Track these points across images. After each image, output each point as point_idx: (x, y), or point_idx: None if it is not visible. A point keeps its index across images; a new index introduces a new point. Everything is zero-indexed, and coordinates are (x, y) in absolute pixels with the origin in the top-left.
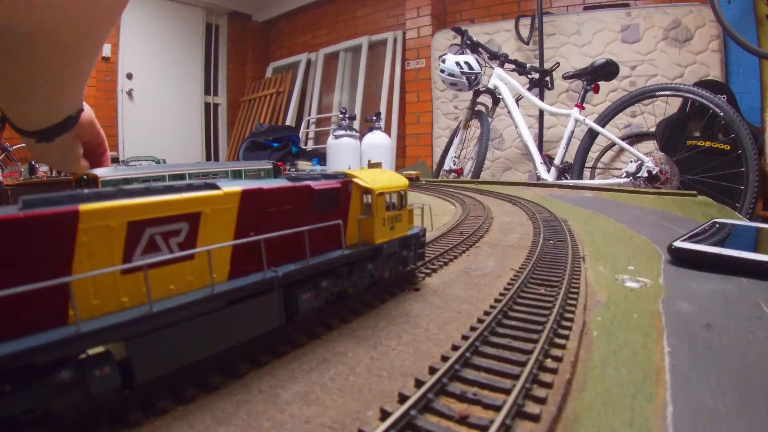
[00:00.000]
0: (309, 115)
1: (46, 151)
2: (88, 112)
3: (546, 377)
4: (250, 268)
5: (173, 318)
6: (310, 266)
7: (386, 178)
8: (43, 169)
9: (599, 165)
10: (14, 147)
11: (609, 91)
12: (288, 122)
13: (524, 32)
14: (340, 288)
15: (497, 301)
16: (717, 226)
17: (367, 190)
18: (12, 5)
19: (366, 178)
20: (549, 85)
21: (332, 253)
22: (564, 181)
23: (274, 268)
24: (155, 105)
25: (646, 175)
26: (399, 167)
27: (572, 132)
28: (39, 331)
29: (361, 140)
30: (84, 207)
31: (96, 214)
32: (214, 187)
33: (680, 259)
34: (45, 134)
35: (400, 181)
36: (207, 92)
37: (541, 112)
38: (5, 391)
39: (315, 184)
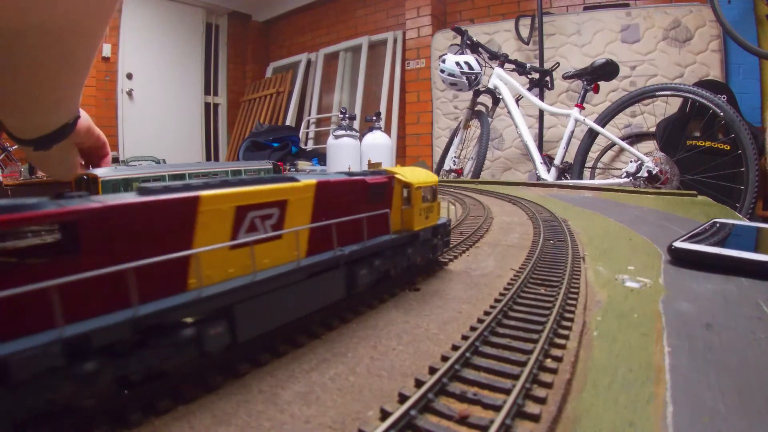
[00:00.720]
0: (309, 115)
1: (43, 159)
2: (84, 119)
3: (546, 377)
4: (322, 248)
5: (269, 286)
6: (367, 247)
7: (421, 175)
8: None
9: (599, 165)
10: (14, 147)
11: (609, 91)
12: (288, 122)
13: (524, 32)
14: (386, 268)
15: (497, 301)
16: (717, 226)
17: (406, 185)
18: (5, 6)
19: (405, 174)
20: (549, 85)
21: (381, 237)
22: (564, 181)
23: (341, 248)
24: (155, 105)
25: (646, 175)
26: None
27: (572, 132)
28: (163, 297)
29: (361, 140)
30: (203, 193)
31: (212, 199)
32: (294, 179)
33: (680, 259)
34: (42, 142)
35: (432, 177)
36: (207, 92)
37: (541, 112)
38: (131, 349)
39: (368, 179)
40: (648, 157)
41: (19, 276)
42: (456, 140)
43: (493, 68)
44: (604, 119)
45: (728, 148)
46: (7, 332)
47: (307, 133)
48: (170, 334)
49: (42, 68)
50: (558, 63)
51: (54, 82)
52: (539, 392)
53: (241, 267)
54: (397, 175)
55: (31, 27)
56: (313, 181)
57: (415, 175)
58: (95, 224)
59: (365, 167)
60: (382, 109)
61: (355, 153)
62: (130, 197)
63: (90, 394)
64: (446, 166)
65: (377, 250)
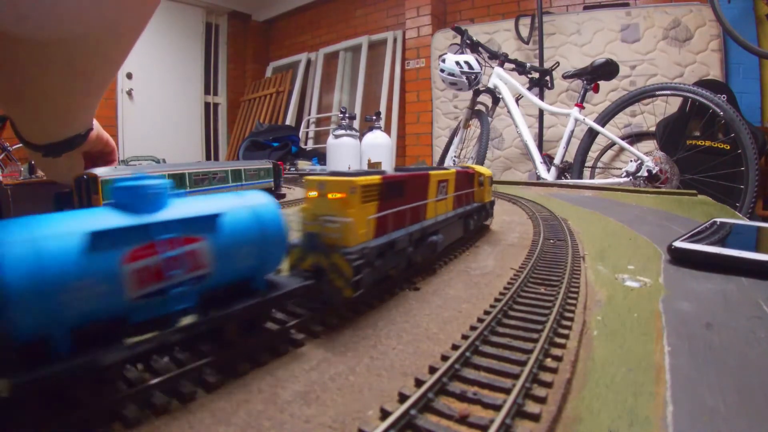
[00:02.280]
0: (309, 114)
1: (50, 164)
2: (95, 127)
3: (546, 376)
4: (456, 206)
5: (448, 222)
6: (472, 209)
7: (484, 169)
8: None
9: (599, 164)
10: (14, 147)
11: (609, 91)
12: (288, 122)
13: (524, 32)
14: (474, 225)
15: (497, 300)
16: (717, 225)
17: (480, 174)
18: (44, 17)
19: (477, 169)
20: (549, 85)
21: (473, 204)
22: (564, 181)
23: (463, 207)
24: (155, 105)
25: (646, 174)
26: (400, 166)
27: (572, 131)
28: (419, 221)
29: (361, 140)
30: (430, 172)
31: (433, 176)
32: (447, 168)
33: (680, 258)
34: (53, 149)
35: (489, 171)
36: (207, 92)
37: (541, 112)
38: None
39: (468, 171)
40: (648, 156)
41: (389, 206)
42: (456, 140)
43: (492, 68)
44: (604, 119)
45: (728, 147)
46: (390, 230)
47: (307, 133)
48: (425, 240)
49: (71, 77)
50: (558, 62)
51: (79, 92)
52: (539, 392)
53: (437, 211)
54: (476, 169)
55: (65, 36)
56: (454, 170)
57: (481, 169)
58: (408, 183)
59: (365, 167)
60: (382, 109)
61: (355, 153)
62: (403, 172)
63: (403, 265)
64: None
65: (473, 211)
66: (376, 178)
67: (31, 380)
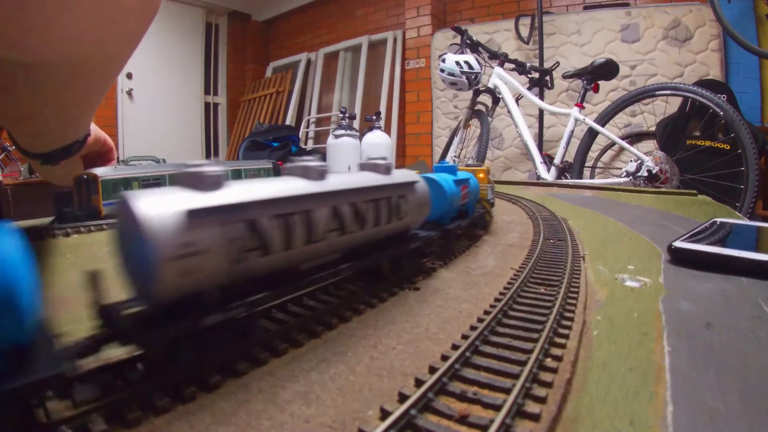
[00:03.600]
0: (309, 114)
1: (50, 171)
2: (92, 130)
3: (546, 376)
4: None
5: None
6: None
7: (487, 166)
8: None
9: (599, 164)
10: (14, 147)
11: (609, 91)
12: (288, 122)
13: (524, 32)
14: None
15: (497, 300)
16: (717, 225)
17: (482, 169)
18: (28, 41)
19: (485, 166)
20: (549, 85)
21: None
22: (564, 181)
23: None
24: (155, 105)
25: (646, 174)
26: (399, 167)
27: (572, 131)
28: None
29: (361, 140)
30: (478, 167)
31: (483, 169)
32: (481, 165)
33: (680, 258)
34: (51, 157)
35: (488, 166)
36: (207, 92)
37: (541, 112)
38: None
39: (484, 167)
40: (648, 156)
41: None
42: (456, 140)
43: (492, 68)
44: (604, 119)
45: (728, 147)
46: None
47: (307, 133)
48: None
49: (63, 96)
50: (558, 62)
51: (73, 108)
52: (539, 391)
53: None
54: (484, 166)
55: (55, 61)
56: (485, 167)
57: (486, 166)
58: (485, 172)
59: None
60: (382, 109)
61: (355, 152)
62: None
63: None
64: None
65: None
66: (487, 167)
67: (436, 233)
